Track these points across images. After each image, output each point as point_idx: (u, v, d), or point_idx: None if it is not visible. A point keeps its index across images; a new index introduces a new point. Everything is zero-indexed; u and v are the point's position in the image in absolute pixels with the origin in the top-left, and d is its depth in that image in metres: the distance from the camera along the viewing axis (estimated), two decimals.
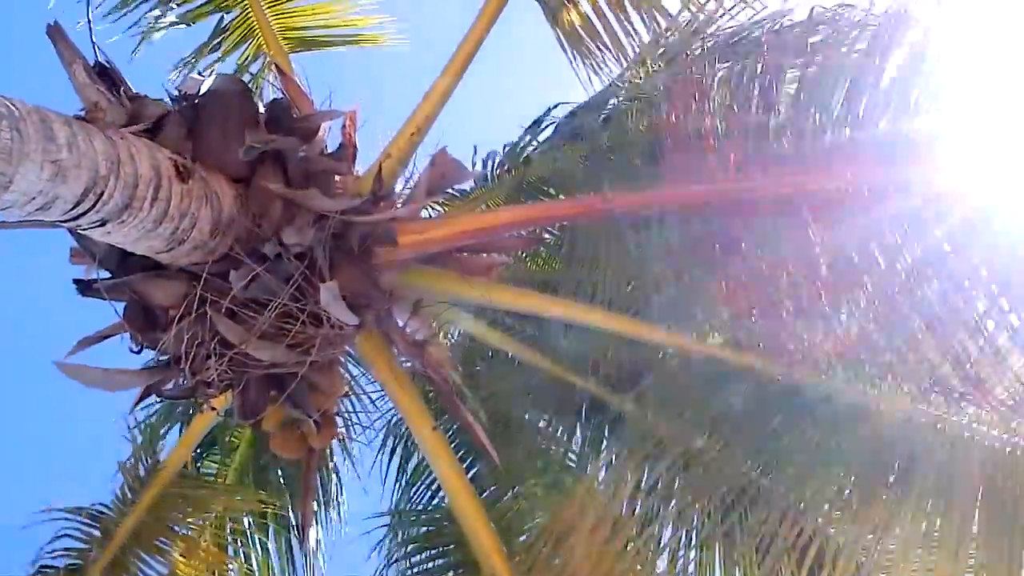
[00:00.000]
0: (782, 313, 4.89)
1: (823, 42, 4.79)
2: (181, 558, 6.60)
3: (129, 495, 6.55)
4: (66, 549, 6.37)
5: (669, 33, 6.12)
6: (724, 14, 5.48)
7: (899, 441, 5.00)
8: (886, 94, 4.54)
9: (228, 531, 7.18)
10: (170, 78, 7.15)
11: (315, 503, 7.47)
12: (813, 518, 5.09)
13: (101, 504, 6.54)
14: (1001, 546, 4.54)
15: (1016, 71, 4.34)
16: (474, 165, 6.84)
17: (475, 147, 6.79)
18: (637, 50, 6.38)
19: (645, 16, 6.33)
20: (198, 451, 7.24)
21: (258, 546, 7.31)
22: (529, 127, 6.76)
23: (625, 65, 6.42)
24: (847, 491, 5.12)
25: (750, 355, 5.16)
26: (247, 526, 7.26)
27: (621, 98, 6.34)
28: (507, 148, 6.85)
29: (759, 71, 4.89)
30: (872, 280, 4.61)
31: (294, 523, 7.26)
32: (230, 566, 7.12)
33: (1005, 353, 4.42)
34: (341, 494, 7.74)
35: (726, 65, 5.13)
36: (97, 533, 6.42)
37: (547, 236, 6.69)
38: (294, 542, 7.36)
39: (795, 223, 4.69)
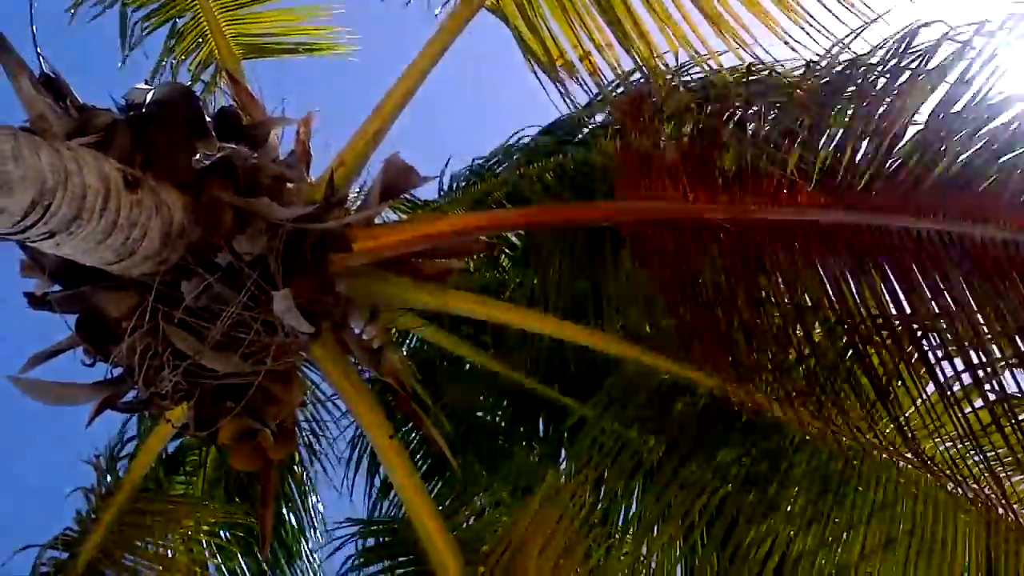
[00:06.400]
0: (730, 333, 4.90)
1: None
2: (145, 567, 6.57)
3: (92, 515, 6.51)
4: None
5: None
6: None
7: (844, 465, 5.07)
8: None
9: (203, 545, 7.12)
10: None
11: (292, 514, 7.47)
12: (772, 528, 5.13)
13: (69, 528, 6.52)
14: None
15: None
16: (441, 177, 6.89)
17: (448, 159, 6.87)
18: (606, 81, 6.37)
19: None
20: (167, 469, 7.22)
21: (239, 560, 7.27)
22: (502, 148, 6.81)
23: (595, 93, 6.41)
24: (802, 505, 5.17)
25: (696, 371, 5.21)
26: (224, 539, 7.22)
27: (587, 124, 6.40)
28: (473, 163, 6.89)
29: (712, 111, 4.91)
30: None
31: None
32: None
33: None
34: (317, 503, 7.72)
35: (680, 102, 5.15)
36: (64, 557, 6.39)
37: (506, 250, 6.74)
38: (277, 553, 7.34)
39: (742, 247, 4.70)
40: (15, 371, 4.78)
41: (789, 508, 5.20)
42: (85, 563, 6.30)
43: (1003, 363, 4.00)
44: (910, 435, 4.69)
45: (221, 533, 7.22)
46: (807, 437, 5.15)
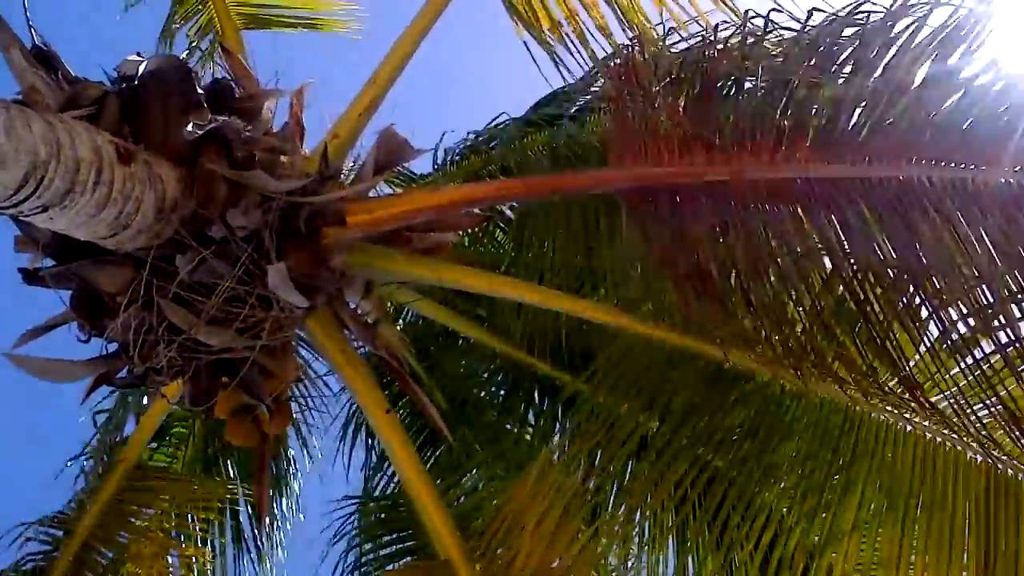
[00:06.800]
0: (727, 301, 4.87)
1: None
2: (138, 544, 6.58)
3: (88, 492, 6.52)
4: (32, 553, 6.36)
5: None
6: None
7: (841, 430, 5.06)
8: None
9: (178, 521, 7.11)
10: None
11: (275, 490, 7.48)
12: (766, 500, 5.13)
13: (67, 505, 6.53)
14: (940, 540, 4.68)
15: None
16: (435, 151, 6.86)
17: (443, 134, 6.85)
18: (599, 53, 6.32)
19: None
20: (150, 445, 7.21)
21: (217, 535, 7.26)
22: (496, 121, 6.79)
23: (588, 66, 6.37)
24: (796, 475, 5.18)
25: (694, 339, 5.19)
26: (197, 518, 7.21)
27: (581, 95, 6.37)
28: (467, 136, 6.87)
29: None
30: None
31: (250, 512, 7.21)
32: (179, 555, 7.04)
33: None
34: (300, 480, 7.74)
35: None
36: (60, 534, 6.41)
37: (501, 224, 6.73)
38: (252, 531, 7.34)
39: (738, 208, 4.66)
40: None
41: (784, 482, 5.21)
42: (80, 542, 6.30)
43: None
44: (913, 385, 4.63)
45: (204, 507, 7.20)
46: (803, 401, 5.14)
